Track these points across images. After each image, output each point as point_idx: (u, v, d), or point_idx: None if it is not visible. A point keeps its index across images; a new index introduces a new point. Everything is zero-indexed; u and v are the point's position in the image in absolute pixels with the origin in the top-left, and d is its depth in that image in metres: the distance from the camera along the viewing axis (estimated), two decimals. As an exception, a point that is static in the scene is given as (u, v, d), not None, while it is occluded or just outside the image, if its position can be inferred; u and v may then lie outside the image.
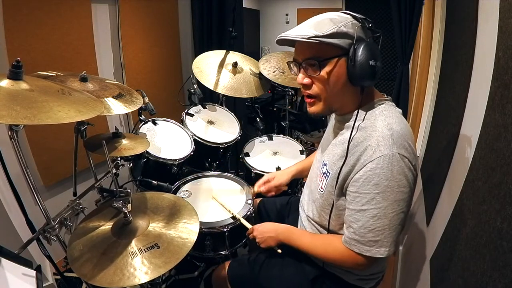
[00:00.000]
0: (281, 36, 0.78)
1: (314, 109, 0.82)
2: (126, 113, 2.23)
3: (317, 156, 1.00)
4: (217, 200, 1.27)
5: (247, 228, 1.10)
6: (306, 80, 0.79)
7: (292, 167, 1.23)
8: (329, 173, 0.83)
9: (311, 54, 0.75)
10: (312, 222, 0.96)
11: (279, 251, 0.97)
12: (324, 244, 0.87)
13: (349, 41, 0.72)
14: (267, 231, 0.99)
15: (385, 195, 0.71)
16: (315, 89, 0.79)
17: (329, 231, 0.88)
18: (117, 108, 1.12)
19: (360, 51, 0.70)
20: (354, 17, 0.75)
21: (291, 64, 0.84)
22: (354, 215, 0.76)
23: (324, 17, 0.75)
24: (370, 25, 0.74)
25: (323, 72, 0.75)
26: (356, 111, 0.77)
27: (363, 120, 0.77)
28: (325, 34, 0.71)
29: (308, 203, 0.98)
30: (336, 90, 0.77)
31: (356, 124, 0.77)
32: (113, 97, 1.15)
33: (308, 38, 0.71)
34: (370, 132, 0.74)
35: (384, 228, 0.72)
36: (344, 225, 0.81)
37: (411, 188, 0.73)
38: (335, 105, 0.82)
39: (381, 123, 0.75)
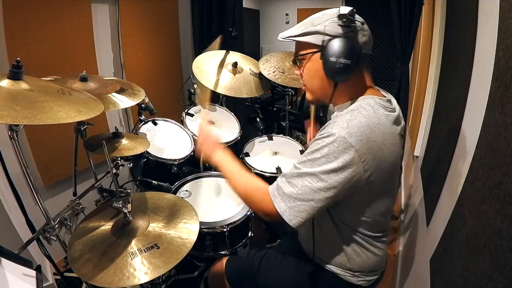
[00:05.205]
0: (278, 37, 0.86)
1: (307, 96, 0.92)
2: (126, 113, 2.23)
3: None
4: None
5: (246, 227, 1.09)
6: (298, 72, 0.89)
7: None
8: None
9: (296, 50, 0.86)
10: None
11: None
12: (250, 178, 0.87)
13: (328, 38, 0.76)
14: (208, 142, 0.96)
15: (311, 164, 0.73)
16: (303, 79, 0.88)
17: None
18: (123, 101, 1.13)
19: (327, 47, 0.75)
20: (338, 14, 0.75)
21: None
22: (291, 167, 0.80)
23: (310, 17, 0.81)
24: (344, 20, 0.74)
25: (302, 66, 0.85)
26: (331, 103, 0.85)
27: (342, 111, 0.80)
28: (297, 34, 0.79)
29: None
30: (315, 82, 0.84)
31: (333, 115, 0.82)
32: (116, 92, 1.15)
33: (284, 38, 0.82)
34: (335, 119, 0.77)
35: (296, 192, 0.74)
36: None
37: (344, 184, 0.71)
38: (317, 95, 0.88)
39: (348, 112, 0.76)
